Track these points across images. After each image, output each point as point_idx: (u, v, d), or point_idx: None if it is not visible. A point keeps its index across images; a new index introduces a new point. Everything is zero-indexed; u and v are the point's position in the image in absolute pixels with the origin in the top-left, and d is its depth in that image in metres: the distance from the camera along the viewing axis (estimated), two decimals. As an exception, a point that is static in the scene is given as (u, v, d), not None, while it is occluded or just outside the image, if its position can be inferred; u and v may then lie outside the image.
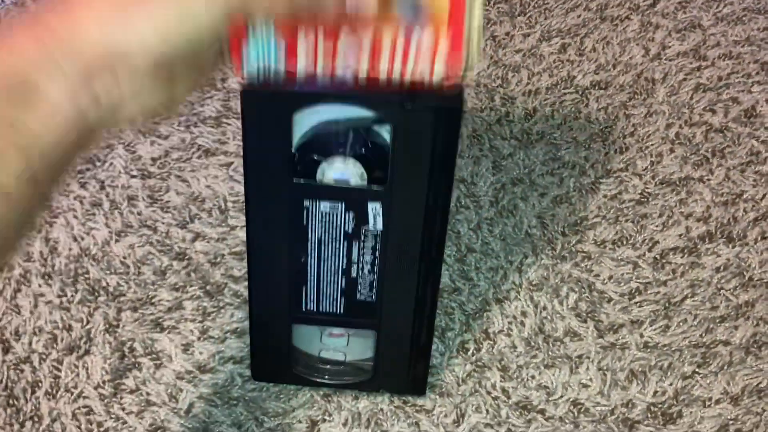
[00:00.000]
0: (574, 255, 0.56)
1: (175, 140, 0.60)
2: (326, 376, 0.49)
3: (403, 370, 0.48)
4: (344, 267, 0.43)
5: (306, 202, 0.41)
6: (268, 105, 0.38)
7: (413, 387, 0.49)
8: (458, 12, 0.34)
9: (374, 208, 0.41)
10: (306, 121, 0.38)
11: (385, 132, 0.39)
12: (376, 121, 0.39)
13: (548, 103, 0.62)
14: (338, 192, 0.41)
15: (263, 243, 0.43)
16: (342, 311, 0.45)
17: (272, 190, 0.41)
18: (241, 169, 0.57)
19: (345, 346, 0.48)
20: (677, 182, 0.59)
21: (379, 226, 0.41)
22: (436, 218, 0.41)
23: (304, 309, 0.45)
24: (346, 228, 0.42)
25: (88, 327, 0.52)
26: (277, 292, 0.44)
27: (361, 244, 0.42)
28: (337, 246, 0.42)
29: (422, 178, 0.39)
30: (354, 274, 0.43)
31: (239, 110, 0.39)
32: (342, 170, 0.40)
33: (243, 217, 0.56)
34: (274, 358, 0.49)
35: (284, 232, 0.42)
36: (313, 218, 0.42)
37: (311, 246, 0.42)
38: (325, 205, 0.41)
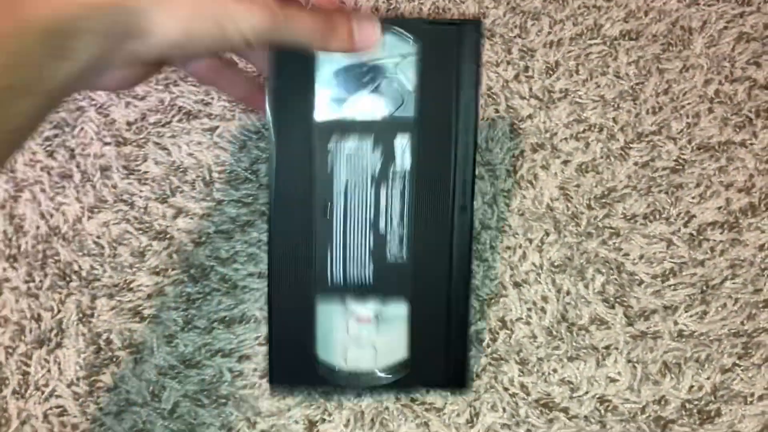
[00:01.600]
0: (601, 231, 0.50)
1: (153, 101, 0.53)
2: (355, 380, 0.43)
3: (441, 354, 0.42)
4: (372, 218, 0.41)
5: (330, 145, 0.41)
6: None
7: (453, 376, 0.43)
8: None
9: (402, 143, 0.41)
10: (328, 66, 0.40)
11: (402, 75, 0.40)
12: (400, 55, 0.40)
13: (572, 55, 0.55)
14: (364, 126, 0.40)
15: (287, 203, 0.41)
16: (371, 278, 0.42)
17: (296, 130, 0.40)
18: (227, 135, 0.51)
19: (375, 332, 0.43)
20: (716, 147, 0.53)
21: (407, 163, 0.41)
22: (468, 150, 0.40)
23: (329, 284, 0.42)
24: (373, 170, 0.41)
25: (59, 317, 0.47)
26: (299, 262, 0.42)
27: (389, 187, 0.41)
28: (364, 193, 0.41)
29: (449, 103, 0.40)
30: (383, 227, 0.41)
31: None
32: (367, 108, 0.41)
33: (230, 191, 0.50)
34: (295, 357, 0.42)
35: (308, 183, 0.41)
36: (339, 162, 0.41)
37: (336, 193, 0.41)
38: (350, 146, 0.41)
